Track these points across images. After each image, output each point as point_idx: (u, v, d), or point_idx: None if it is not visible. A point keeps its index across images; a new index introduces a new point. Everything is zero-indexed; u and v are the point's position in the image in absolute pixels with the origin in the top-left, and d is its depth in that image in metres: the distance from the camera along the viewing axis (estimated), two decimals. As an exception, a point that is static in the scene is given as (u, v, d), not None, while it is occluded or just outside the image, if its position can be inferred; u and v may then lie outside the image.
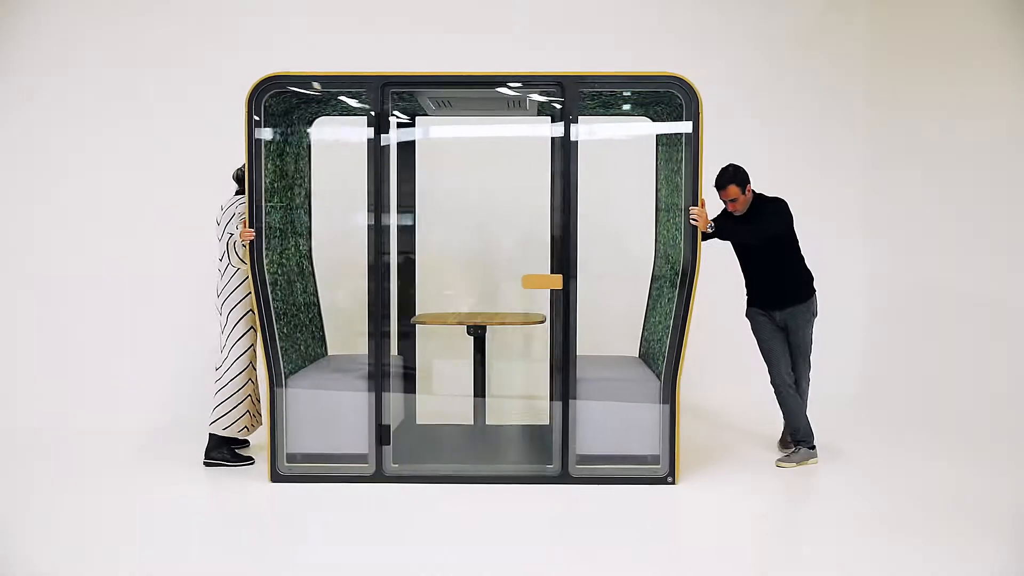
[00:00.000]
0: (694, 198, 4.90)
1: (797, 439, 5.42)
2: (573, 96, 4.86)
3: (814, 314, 5.46)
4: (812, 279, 5.48)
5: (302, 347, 5.55)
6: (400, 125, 5.98)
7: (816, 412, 6.03)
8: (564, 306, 4.94)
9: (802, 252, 5.47)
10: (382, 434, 5.01)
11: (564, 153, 4.89)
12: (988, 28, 6.69)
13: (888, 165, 7.43)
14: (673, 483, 4.96)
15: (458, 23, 7.17)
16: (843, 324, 7.47)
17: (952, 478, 5.15)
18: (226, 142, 6.27)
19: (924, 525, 4.35)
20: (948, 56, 6.99)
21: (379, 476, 5.01)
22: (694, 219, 4.89)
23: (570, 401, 4.97)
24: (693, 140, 4.87)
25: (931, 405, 6.82)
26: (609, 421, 5.02)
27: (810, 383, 5.61)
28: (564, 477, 4.98)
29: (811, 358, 5.55)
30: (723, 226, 5.12)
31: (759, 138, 7.32)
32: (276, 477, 5.02)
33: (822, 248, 7.23)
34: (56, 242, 6.91)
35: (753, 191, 5.35)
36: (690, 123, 4.85)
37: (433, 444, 5.67)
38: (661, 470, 4.98)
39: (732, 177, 5.22)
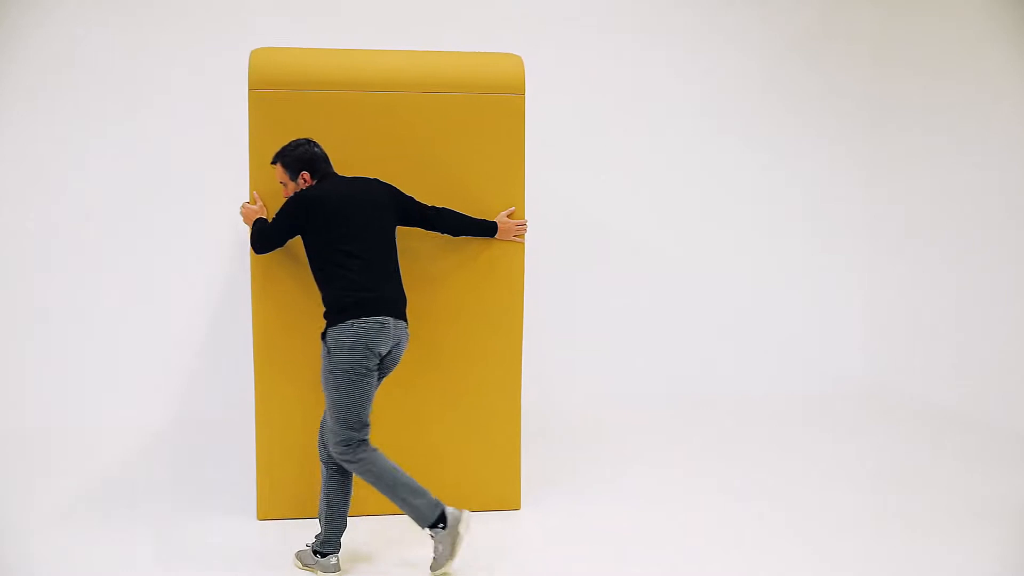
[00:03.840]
0: (251, 188, 4.01)
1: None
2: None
3: (330, 351, 3.52)
4: (345, 306, 3.53)
5: None
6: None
7: (814, 408, 6.28)
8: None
9: (337, 269, 3.59)
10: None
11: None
12: (989, 26, 6.56)
13: (891, 163, 7.27)
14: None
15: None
16: (843, 321, 7.31)
17: (949, 476, 5.00)
18: (229, 140, 5.90)
19: (923, 524, 4.28)
20: (949, 54, 6.84)
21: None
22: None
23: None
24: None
25: (929, 403, 6.59)
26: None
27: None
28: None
29: (334, 422, 3.53)
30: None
31: (758, 134, 7.12)
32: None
33: (823, 244, 7.28)
34: (54, 241, 6.19)
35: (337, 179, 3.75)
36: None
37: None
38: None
39: (279, 155, 3.72)
